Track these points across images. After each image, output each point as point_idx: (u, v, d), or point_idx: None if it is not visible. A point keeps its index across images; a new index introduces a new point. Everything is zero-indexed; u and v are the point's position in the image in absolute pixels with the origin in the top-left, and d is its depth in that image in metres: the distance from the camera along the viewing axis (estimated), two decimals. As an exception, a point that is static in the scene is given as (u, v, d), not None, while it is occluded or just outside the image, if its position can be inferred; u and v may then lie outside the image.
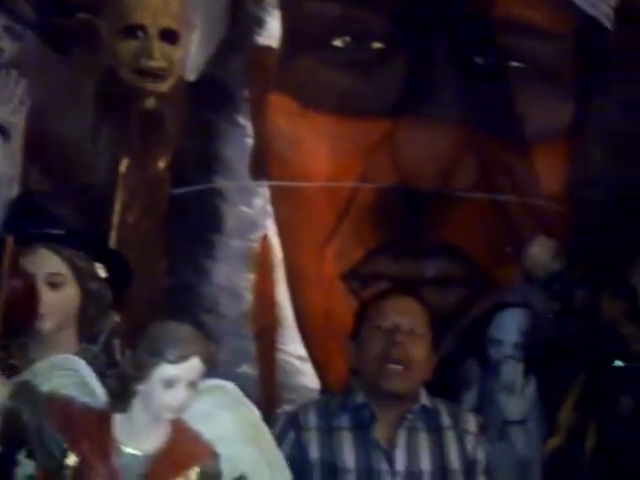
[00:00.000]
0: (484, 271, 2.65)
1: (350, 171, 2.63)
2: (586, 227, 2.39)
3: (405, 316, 1.91)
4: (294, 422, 1.94)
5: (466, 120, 2.60)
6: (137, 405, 1.39)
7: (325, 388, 2.57)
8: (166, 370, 1.36)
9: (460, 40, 2.65)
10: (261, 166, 2.62)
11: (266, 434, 1.43)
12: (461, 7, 2.68)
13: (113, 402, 1.39)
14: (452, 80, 2.60)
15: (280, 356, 2.64)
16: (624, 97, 2.36)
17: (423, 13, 2.73)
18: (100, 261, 1.79)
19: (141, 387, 1.38)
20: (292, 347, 2.65)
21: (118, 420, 1.40)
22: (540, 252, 2.38)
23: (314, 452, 1.90)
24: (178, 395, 1.37)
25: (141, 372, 1.36)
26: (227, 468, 1.41)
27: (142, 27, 2.52)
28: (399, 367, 1.87)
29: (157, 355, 1.36)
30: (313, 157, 2.62)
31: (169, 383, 1.36)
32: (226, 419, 1.42)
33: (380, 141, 2.62)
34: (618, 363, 2.30)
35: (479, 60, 2.65)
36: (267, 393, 2.58)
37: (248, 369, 2.56)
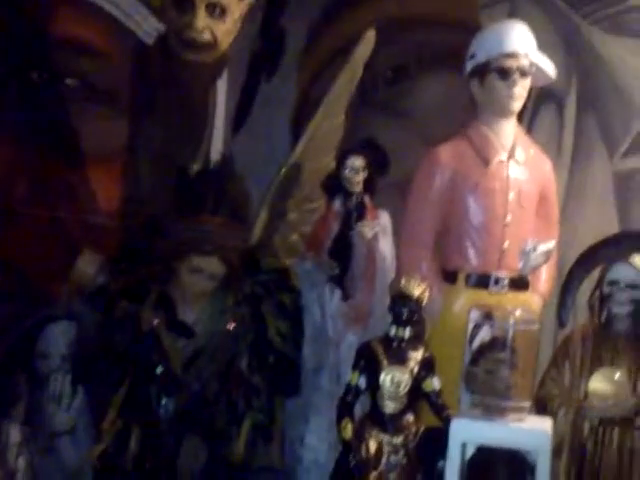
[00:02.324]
0: (36, 285, 2.68)
1: None
2: (131, 242, 2.51)
3: None
4: None
5: (20, 136, 2.63)
6: None
7: None
8: None
9: (16, 55, 2.67)
10: None
11: None
12: (19, 22, 2.70)
13: None
14: (6, 95, 2.62)
15: None
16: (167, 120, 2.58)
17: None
18: None
19: None
20: None
21: None
22: (86, 266, 2.49)
23: None
24: None
25: None
26: None
27: None
28: None
29: None
30: None
31: None
32: None
33: None
34: (159, 369, 2.50)
35: (34, 76, 2.69)
36: None
37: None
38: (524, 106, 2.40)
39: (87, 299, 2.42)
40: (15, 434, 2.05)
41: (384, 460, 2.27)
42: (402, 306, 2.28)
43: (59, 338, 2.40)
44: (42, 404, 2.38)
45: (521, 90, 2.39)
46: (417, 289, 2.29)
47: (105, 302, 2.41)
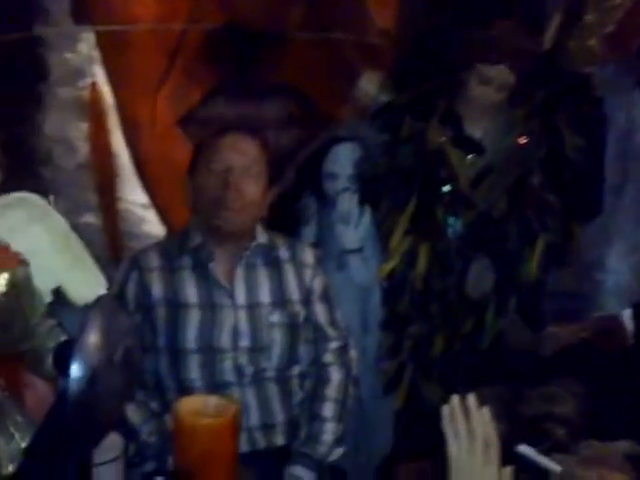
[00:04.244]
0: (320, 108, 2.67)
1: (177, 12, 2.57)
2: (410, 58, 2.40)
3: (239, 155, 1.91)
4: (136, 263, 1.97)
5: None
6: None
7: (169, 234, 2.57)
8: None
9: None
10: (83, 10, 2.51)
11: (76, 242, 1.44)
12: None
13: None
14: None
15: (122, 205, 2.63)
16: None
17: None
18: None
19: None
20: (133, 195, 2.64)
21: None
22: (368, 85, 2.42)
23: (157, 291, 1.93)
24: None
25: None
26: (43, 278, 1.44)
27: None
28: (233, 207, 1.89)
29: None
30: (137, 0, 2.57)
31: None
32: (37, 231, 1.42)
33: (205, -18, 2.63)
34: (446, 188, 2.43)
35: None
36: (112, 242, 2.59)
37: (91, 219, 2.55)
38: None
39: (371, 119, 2.36)
40: (309, 255, 2.08)
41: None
42: None
43: (345, 159, 2.36)
44: (331, 224, 2.40)
45: None
46: None
47: (389, 121, 2.34)
